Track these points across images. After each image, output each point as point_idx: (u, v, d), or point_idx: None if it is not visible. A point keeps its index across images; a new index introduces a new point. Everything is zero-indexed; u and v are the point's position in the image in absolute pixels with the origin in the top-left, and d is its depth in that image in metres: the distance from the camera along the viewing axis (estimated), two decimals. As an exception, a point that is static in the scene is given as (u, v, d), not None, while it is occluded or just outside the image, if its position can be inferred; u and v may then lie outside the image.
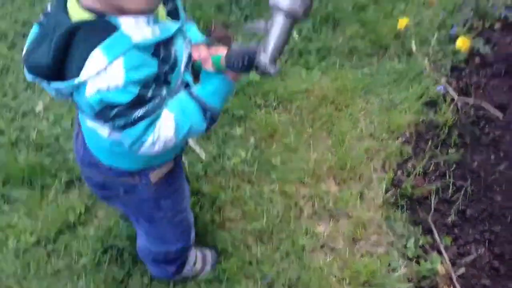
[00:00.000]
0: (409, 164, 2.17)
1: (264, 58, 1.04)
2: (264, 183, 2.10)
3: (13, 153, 2.18)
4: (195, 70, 1.28)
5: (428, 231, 1.96)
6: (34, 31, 1.15)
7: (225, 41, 2.67)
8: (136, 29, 1.06)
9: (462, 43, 2.59)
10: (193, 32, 1.36)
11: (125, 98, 1.06)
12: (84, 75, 1.02)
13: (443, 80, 2.48)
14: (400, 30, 2.69)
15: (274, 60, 1.04)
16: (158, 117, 1.14)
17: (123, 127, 1.12)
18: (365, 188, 2.10)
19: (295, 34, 2.66)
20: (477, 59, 2.57)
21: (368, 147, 2.23)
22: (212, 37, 2.64)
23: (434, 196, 2.04)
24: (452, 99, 2.38)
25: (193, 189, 2.01)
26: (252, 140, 2.25)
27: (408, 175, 2.12)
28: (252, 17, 2.81)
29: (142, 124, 1.11)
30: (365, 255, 1.92)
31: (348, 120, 2.33)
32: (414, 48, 2.64)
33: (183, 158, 1.92)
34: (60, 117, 2.35)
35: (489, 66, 2.54)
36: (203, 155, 2.17)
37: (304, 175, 2.13)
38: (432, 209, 2.01)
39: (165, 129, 1.15)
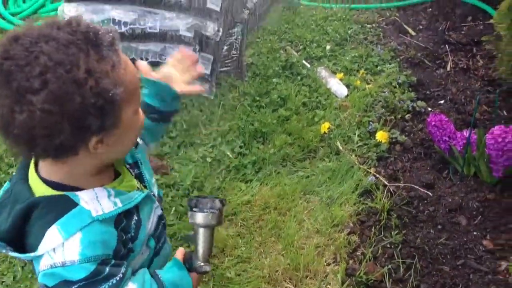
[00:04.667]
0: (359, 252, 2.25)
1: (198, 263, 1.26)
2: (223, 297, 2.09)
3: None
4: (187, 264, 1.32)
5: (390, 313, 1.99)
6: (4, 188, 1.14)
7: (162, 171, 2.78)
8: (95, 203, 1.05)
9: (381, 136, 2.84)
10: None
11: (79, 274, 1.02)
12: (41, 250, 1.02)
13: (372, 170, 2.67)
14: (324, 134, 2.92)
15: (206, 261, 1.27)
16: None
17: None
18: (322, 283, 2.13)
19: (229, 153, 2.81)
20: (397, 147, 2.81)
21: (317, 244, 2.29)
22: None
23: (387, 278, 2.10)
24: (384, 185, 2.55)
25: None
26: (204, 258, 2.26)
27: (360, 263, 2.18)
28: (184, 145, 2.93)
29: None
30: None
31: (293, 222, 2.41)
32: (340, 147, 2.85)
33: None
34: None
35: (409, 152, 2.77)
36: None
37: (261, 282, 2.14)
38: (389, 291, 2.06)
39: None
